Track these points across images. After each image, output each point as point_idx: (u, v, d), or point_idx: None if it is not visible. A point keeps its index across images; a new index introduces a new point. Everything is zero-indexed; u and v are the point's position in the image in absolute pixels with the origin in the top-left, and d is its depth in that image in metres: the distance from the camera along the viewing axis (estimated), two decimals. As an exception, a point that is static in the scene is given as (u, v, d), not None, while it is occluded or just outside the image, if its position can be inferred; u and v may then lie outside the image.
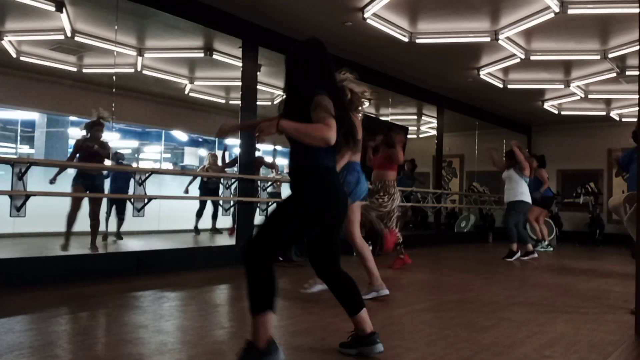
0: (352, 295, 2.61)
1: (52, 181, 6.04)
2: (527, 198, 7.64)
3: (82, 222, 6.13)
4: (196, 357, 2.57)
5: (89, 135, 6.11)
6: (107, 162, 6.43)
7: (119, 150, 8.40)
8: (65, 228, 5.97)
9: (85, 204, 6.16)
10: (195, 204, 9.29)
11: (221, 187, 7.43)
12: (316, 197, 2.40)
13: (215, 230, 9.29)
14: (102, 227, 7.06)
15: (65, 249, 5.82)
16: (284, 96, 2.58)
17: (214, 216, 9.32)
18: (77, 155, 6.18)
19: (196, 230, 9.24)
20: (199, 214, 9.25)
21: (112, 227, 7.54)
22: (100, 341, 2.86)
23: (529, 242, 7.88)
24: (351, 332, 2.66)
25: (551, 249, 9.43)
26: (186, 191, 8.76)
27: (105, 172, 6.79)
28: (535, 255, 7.77)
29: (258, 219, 6.83)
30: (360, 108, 3.85)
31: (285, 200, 2.48)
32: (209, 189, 9.16)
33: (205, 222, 9.37)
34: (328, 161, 2.45)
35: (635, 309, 3.35)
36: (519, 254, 7.50)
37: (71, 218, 6.01)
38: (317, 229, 2.51)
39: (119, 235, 7.63)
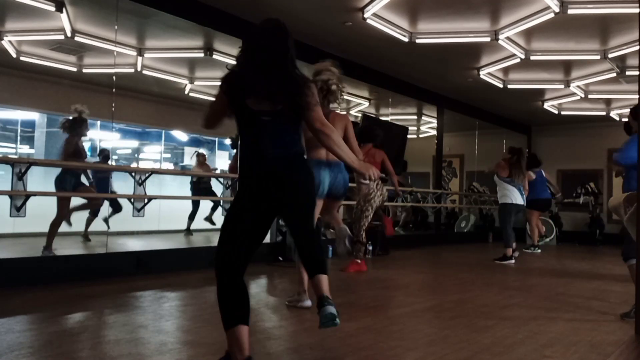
0: (310, 254, 2.43)
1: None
2: (509, 199, 7.65)
3: (78, 223, 6.10)
4: (196, 357, 2.57)
5: (75, 132, 5.86)
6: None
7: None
8: (49, 234, 5.59)
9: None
10: (199, 204, 9.25)
11: (221, 186, 7.40)
12: (239, 184, 2.38)
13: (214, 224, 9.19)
14: (103, 227, 7.06)
15: (48, 252, 5.57)
16: None
17: (214, 208, 9.24)
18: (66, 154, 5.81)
19: (188, 232, 9.19)
20: (192, 217, 9.13)
21: (113, 227, 7.52)
22: (100, 341, 2.86)
23: (510, 247, 7.56)
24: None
25: (543, 243, 9.36)
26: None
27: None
28: (512, 262, 7.39)
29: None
30: (334, 100, 3.63)
31: None
32: (200, 189, 9.10)
33: (198, 223, 9.32)
34: (245, 146, 2.34)
35: (635, 308, 3.34)
36: (512, 260, 7.35)
37: (57, 226, 5.65)
38: (244, 217, 2.27)
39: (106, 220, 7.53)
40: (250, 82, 2.29)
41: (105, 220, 7.24)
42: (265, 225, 2.36)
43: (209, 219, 9.25)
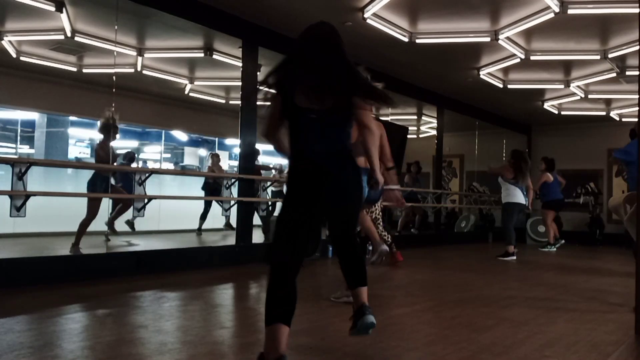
0: (353, 269, 2.57)
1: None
2: (514, 199, 7.84)
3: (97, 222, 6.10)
4: (196, 357, 2.57)
5: (106, 137, 6.03)
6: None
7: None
8: (78, 233, 5.68)
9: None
10: (196, 204, 9.26)
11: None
12: (287, 184, 2.39)
13: (230, 227, 9.17)
14: (102, 227, 7.06)
15: (76, 251, 5.64)
16: None
17: (227, 216, 9.23)
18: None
19: (199, 232, 9.19)
20: (203, 217, 9.13)
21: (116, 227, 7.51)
22: (100, 341, 2.86)
23: (512, 244, 7.81)
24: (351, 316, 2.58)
25: (554, 249, 9.51)
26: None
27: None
28: (514, 258, 7.68)
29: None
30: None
31: None
32: (212, 189, 9.10)
33: (207, 223, 9.31)
34: (294, 146, 2.37)
35: (635, 308, 3.34)
36: (514, 257, 7.65)
37: (86, 226, 5.73)
38: (296, 213, 2.30)
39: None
40: (304, 78, 2.30)
41: (129, 224, 7.30)
42: (318, 222, 2.41)
43: (229, 226, 9.20)
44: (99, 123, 6.10)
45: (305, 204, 2.30)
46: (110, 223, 6.04)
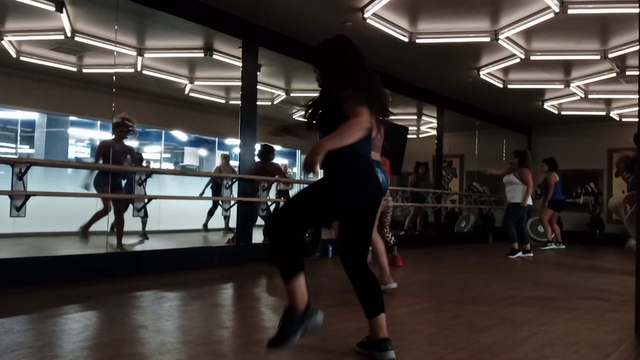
0: (372, 296, 2.57)
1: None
2: (522, 200, 7.98)
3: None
4: (196, 357, 2.57)
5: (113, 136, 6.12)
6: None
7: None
8: (90, 220, 5.94)
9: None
10: (196, 204, 9.27)
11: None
12: (343, 182, 2.41)
13: (228, 230, 9.22)
14: (102, 227, 7.05)
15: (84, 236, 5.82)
16: (316, 100, 2.61)
17: (226, 216, 9.31)
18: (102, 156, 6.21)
19: (205, 228, 9.23)
20: (211, 212, 9.23)
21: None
22: (100, 341, 2.86)
23: (528, 242, 8.18)
24: (367, 335, 2.63)
25: (556, 246, 9.54)
26: (202, 193, 9.07)
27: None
28: (531, 254, 8.10)
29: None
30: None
31: (317, 182, 2.51)
32: (217, 187, 9.15)
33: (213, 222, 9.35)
34: (358, 147, 2.42)
35: (635, 308, 3.34)
36: (520, 252, 7.89)
37: (99, 216, 6.02)
38: (339, 213, 2.50)
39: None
40: (382, 102, 2.55)
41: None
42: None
43: (228, 229, 9.24)
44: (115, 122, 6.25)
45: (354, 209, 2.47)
46: (85, 230, 6.13)
